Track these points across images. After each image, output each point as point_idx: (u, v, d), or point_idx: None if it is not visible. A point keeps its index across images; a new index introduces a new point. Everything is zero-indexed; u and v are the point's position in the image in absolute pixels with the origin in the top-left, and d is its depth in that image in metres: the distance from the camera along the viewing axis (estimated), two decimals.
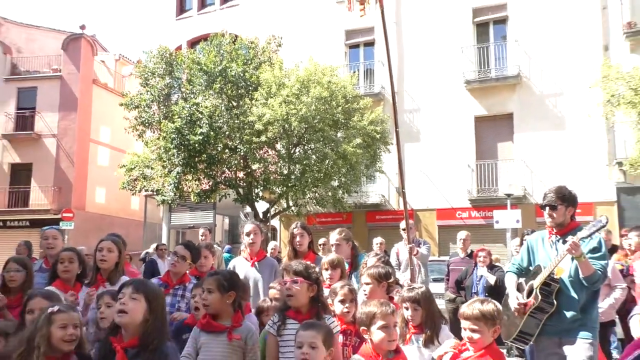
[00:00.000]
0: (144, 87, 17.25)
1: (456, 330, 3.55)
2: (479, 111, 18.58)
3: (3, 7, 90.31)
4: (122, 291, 2.78)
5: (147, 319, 2.72)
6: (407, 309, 3.40)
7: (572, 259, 3.77)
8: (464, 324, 2.98)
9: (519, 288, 4.13)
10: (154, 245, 12.13)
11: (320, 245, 7.51)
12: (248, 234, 5.09)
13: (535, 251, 4.20)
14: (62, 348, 2.78)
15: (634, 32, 16.61)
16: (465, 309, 3.02)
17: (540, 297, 3.85)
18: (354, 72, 18.90)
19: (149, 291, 2.81)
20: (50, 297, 3.22)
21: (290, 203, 16.11)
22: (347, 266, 5.27)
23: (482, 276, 7.73)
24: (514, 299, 4.01)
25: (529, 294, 3.97)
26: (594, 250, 3.80)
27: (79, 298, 3.99)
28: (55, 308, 2.86)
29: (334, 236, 5.28)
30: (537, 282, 3.91)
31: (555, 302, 3.81)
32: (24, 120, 26.90)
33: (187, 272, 4.64)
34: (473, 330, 2.94)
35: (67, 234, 19.55)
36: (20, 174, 26.66)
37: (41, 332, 2.72)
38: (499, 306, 3.07)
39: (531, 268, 4.16)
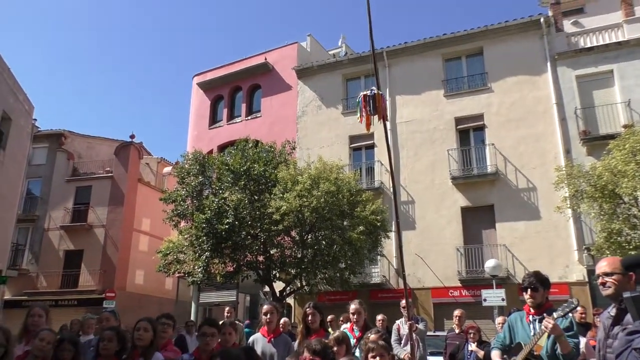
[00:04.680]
0: (180, 184, 17.50)
1: None
2: (464, 203, 18.62)
3: (70, 122, 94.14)
4: None
5: None
6: None
7: (548, 336, 3.68)
8: None
9: None
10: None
11: (328, 321, 7.33)
12: (265, 313, 5.02)
13: (515, 329, 4.10)
14: None
15: (589, 139, 17.00)
16: None
17: None
18: (357, 170, 19.21)
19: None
20: None
21: (304, 283, 15.85)
22: (358, 334, 5.16)
23: (472, 351, 7.47)
24: None
25: None
26: (567, 329, 3.71)
27: None
28: None
29: (354, 306, 5.26)
30: (519, 359, 3.79)
31: None
32: (79, 214, 27.24)
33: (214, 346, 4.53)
34: None
35: (117, 313, 19.20)
36: (73, 259, 26.60)
37: None
38: None
39: (512, 345, 4.05)
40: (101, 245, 26.44)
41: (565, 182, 13.66)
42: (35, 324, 4.59)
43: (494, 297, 14.33)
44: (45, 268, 26.40)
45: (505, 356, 4.05)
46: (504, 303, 14.02)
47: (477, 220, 18.34)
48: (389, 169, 17.18)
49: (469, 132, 19.66)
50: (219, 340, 4.75)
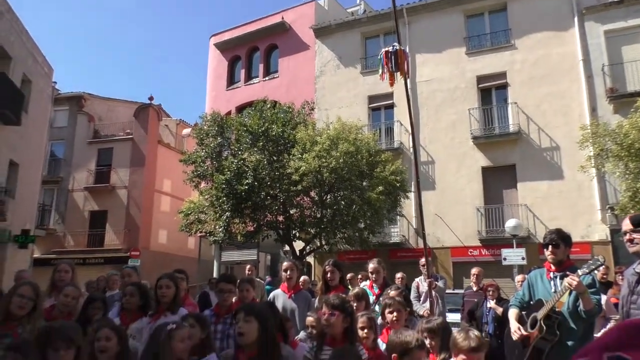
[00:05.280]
0: (200, 145, 17.60)
1: None
2: (485, 162, 18.40)
3: (89, 85, 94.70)
4: (237, 316, 2.92)
5: (261, 334, 2.84)
6: (426, 338, 3.32)
7: (570, 293, 3.65)
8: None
9: (521, 320, 3.99)
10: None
11: (347, 279, 7.39)
12: (285, 270, 5.09)
13: (535, 286, 4.07)
14: (182, 357, 3.01)
15: (616, 96, 16.49)
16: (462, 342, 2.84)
17: (545, 328, 3.70)
18: (376, 130, 19.03)
19: (257, 312, 2.91)
20: (114, 328, 3.24)
21: (323, 242, 16.02)
22: (377, 291, 5.21)
23: (491, 308, 7.50)
24: (514, 329, 3.91)
25: (533, 326, 3.82)
26: (590, 286, 3.67)
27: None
28: (174, 326, 3.04)
29: (373, 265, 5.29)
30: (540, 315, 3.76)
31: (558, 333, 3.66)
32: (102, 175, 27.72)
33: (234, 301, 4.62)
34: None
35: (139, 270, 19.78)
36: (98, 219, 27.27)
37: (165, 347, 2.91)
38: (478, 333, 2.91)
39: (532, 302, 4.03)
40: (124, 205, 26.99)
41: (590, 140, 13.35)
42: (62, 279, 4.75)
43: (514, 256, 14.31)
44: (71, 228, 27.15)
45: (524, 313, 4.04)
46: (524, 262, 13.99)
47: (498, 180, 18.16)
48: (408, 128, 16.92)
49: (491, 91, 19.22)
50: (237, 297, 4.83)
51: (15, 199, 17.87)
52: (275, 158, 15.98)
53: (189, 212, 17.43)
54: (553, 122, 17.54)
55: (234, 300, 4.61)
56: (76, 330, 2.93)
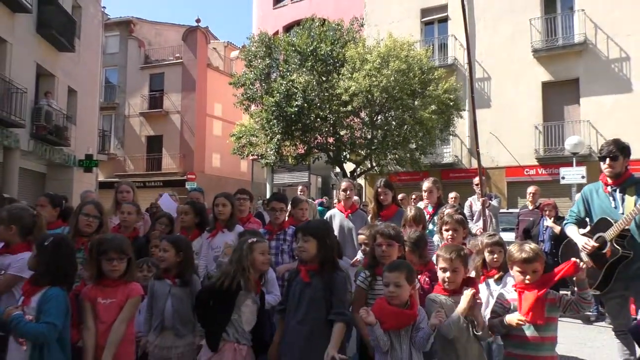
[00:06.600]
0: (248, 67, 17.48)
1: None
2: (546, 77, 17.38)
3: (136, 9, 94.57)
4: (297, 236, 3.11)
5: (319, 250, 2.98)
6: (491, 252, 3.34)
7: None
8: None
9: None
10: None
11: (399, 199, 7.37)
12: (345, 190, 5.10)
13: (591, 202, 3.89)
14: (262, 269, 3.24)
15: None
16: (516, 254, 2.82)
17: (620, 249, 3.56)
18: (429, 46, 18.17)
19: (314, 231, 3.05)
20: (171, 240, 3.41)
21: (374, 164, 15.99)
22: (431, 210, 5.20)
23: (547, 227, 7.36)
24: (584, 242, 3.73)
25: (599, 247, 3.68)
26: None
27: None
28: (255, 239, 3.23)
29: (427, 184, 5.26)
30: (610, 235, 3.60)
31: (632, 252, 3.52)
32: (155, 100, 28.36)
33: (286, 219, 4.72)
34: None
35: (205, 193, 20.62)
36: (154, 144, 28.29)
37: (247, 258, 3.12)
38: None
39: (587, 219, 3.86)
40: (178, 130, 27.72)
41: None
42: (124, 199, 4.99)
43: (573, 175, 13.77)
44: (130, 152, 28.34)
45: (584, 230, 3.90)
46: (584, 181, 13.47)
47: (559, 96, 17.21)
48: (463, 43, 16.10)
49: None
50: (293, 215, 4.92)
51: (77, 125, 18.63)
52: (324, 78, 15.69)
53: (241, 136, 17.67)
54: (624, 30, 16.14)
55: (285, 218, 4.71)
56: (126, 242, 3.10)
